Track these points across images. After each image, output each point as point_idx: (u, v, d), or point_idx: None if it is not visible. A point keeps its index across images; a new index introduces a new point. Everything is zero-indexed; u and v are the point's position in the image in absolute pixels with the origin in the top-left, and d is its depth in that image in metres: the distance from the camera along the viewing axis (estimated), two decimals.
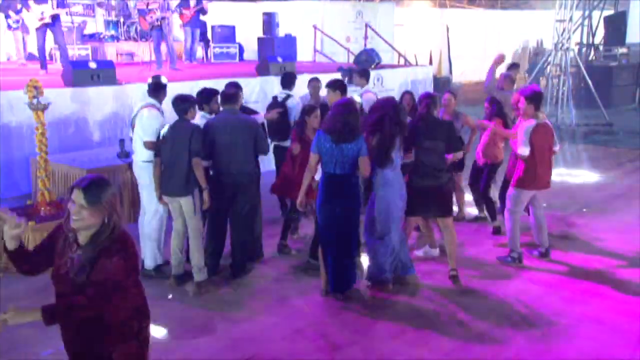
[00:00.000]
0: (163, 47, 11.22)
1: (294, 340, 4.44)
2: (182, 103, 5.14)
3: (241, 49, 14.31)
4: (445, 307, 4.96)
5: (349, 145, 4.75)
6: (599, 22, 17.01)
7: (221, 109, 5.48)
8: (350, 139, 4.75)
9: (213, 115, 5.54)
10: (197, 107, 5.28)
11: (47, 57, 10.39)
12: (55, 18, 9.67)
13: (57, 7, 9.69)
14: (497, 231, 6.51)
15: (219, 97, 5.53)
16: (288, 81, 6.98)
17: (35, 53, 12.57)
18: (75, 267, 2.60)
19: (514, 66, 9.03)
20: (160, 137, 5.17)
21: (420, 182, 5.24)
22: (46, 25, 9.63)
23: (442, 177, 5.28)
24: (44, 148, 5.94)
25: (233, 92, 5.45)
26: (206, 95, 5.61)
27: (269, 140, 6.31)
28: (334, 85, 6.05)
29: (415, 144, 5.21)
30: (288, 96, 6.81)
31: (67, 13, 9.97)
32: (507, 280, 5.45)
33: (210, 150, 5.26)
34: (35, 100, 5.76)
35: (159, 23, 10.85)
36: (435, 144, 5.20)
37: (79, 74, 7.91)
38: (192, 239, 5.23)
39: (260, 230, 5.89)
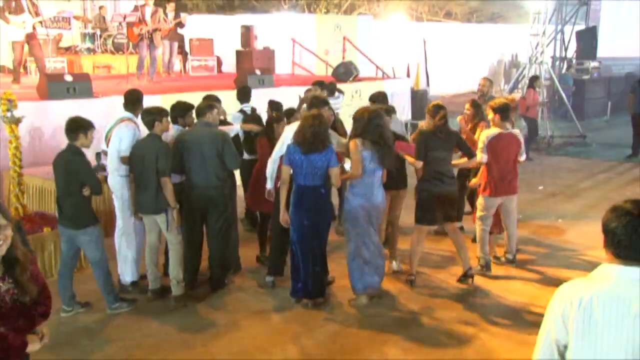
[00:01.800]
0: (147, 60, 11.12)
1: (273, 354, 4.41)
2: (148, 115, 5.06)
3: (219, 62, 14.30)
4: (427, 316, 4.98)
5: (319, 156, 4.80)
6: (570, 36, 17.38)
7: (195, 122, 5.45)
8: (320, 149, 4.79)
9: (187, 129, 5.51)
10: (167, 119, 5.17)
11: (22, 70, 10.23)
12: (35, 28, 9.54)
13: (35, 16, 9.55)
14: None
15: (193, 111, 5.50)
16: (246, 94, 6.99)
17: (8, 65, 12.37)
18: (15, 295, 2.47)
19: (535, 78, 11.44)
20: (129, 153, 5.09)
21: (435, 190, 5.33)
22: (28, 37, 9.47)
23: (455, 183, 5.49)
24: (17, 162, 5.85)
25: (205, 105, 5.41)
26: (181, 109, 5.58)
27: (246, 155, 6.26)
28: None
29: (431, 154, 5.31)
30: (253, 109, 6.84)
31: (42, 24, 9.79)
32: (485, 291, 5.48)
33: (182, 163, 5.23)
34: (9, 114, 5.68)
35: (149, 35, 10.76)
36: (449, 153, 5.42)
37: (55, 87, 7.83)
38: (170, 253, 5.19)
39: (236, 243, 5.85)
